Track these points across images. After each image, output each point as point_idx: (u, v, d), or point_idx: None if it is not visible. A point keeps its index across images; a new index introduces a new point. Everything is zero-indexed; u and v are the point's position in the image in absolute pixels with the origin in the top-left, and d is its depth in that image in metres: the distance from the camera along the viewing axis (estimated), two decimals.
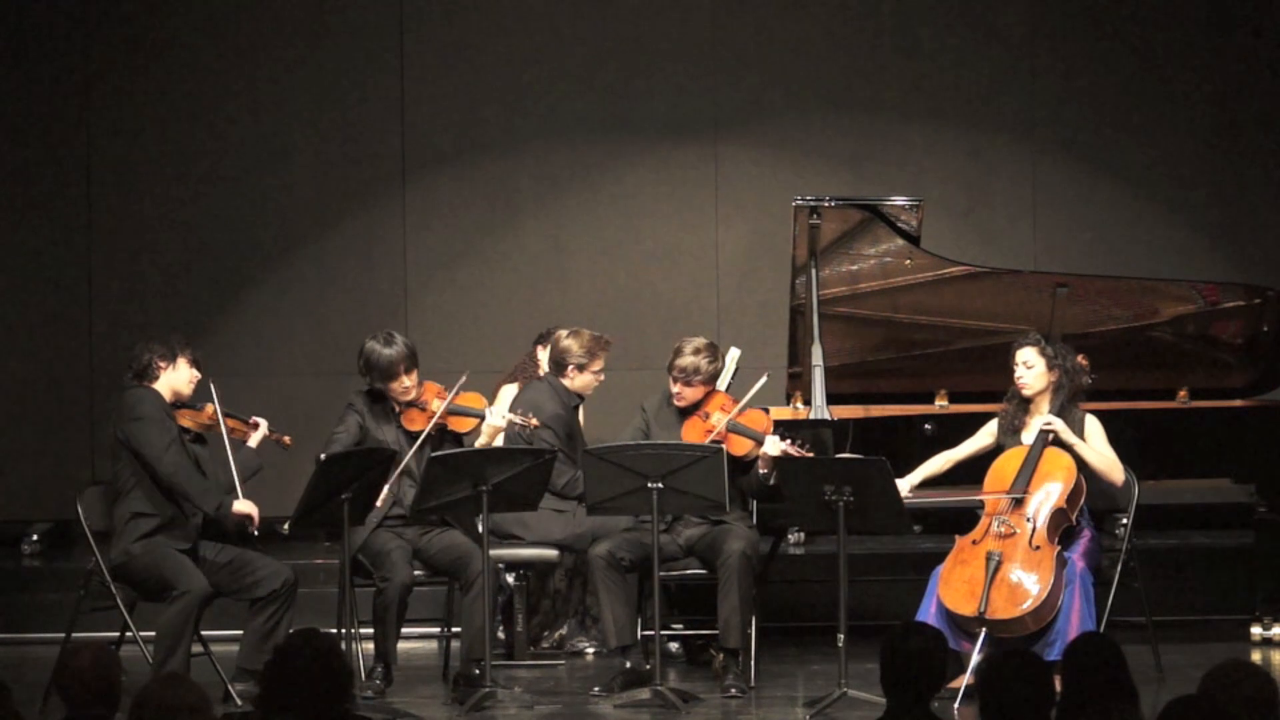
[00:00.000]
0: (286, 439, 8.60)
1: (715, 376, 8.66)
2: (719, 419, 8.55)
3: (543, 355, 9.49)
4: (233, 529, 8.30)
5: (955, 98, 11.84)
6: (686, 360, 8.59)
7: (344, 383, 11.35)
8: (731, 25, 11.87)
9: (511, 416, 8.62)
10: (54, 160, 11.81)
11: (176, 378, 8.32)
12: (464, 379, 8.49)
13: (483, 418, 8.62)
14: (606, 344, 9.12)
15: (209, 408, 8.38)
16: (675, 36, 11.88)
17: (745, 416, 8.55)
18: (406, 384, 8.48)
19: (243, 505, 8.22)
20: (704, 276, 11.86)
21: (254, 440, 8.45)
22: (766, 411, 8.69)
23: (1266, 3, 11.78)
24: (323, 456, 8.07)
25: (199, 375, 8.39)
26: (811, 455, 8.33)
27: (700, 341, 8.66)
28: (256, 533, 8.29)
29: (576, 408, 9.15)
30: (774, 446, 8.39)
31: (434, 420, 8.47)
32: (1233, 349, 9.62)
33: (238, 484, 8.24)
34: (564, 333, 9.14)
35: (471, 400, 8.67)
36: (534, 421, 8.65)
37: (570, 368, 9.02)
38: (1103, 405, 8.73)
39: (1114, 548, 8.60)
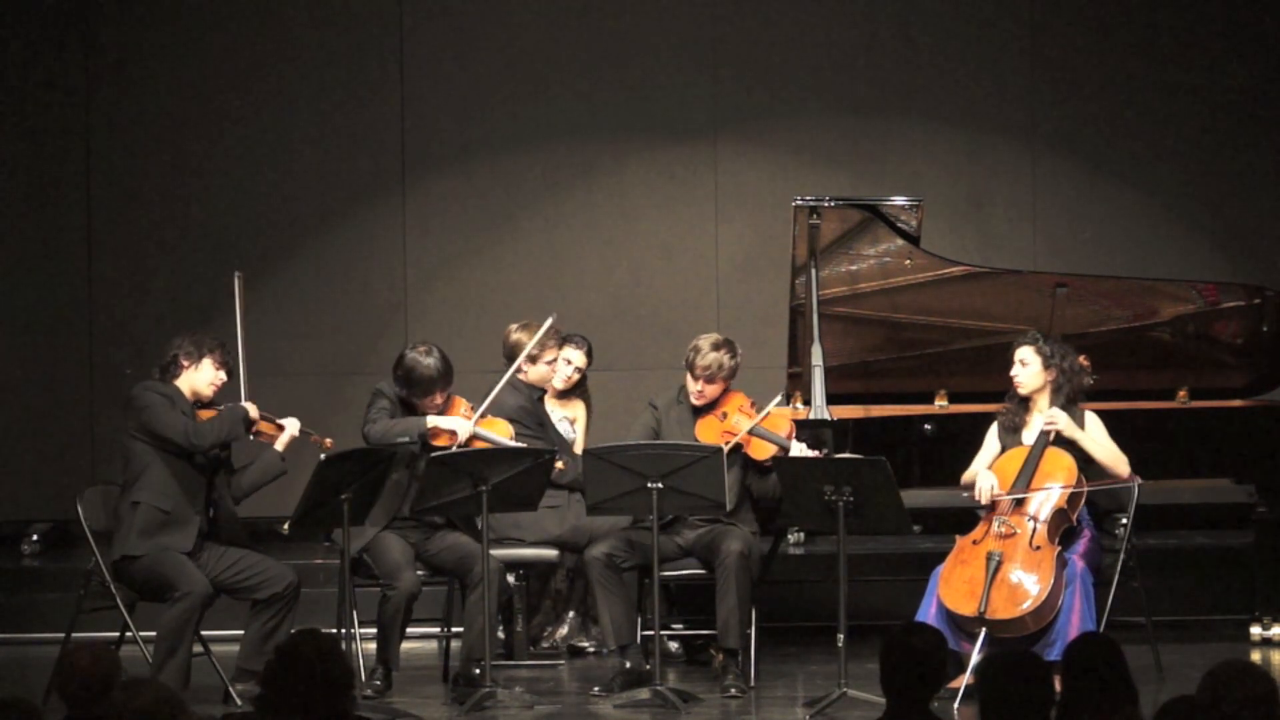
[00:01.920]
0: (328, 441, 8.45)
1: (735, 372, 8.62)
2: (739, 421, 8.52)
3: (569, 353, 9.39)
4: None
5: (955, 98, 11.83)
6: (710, 358, 8.54)
7: (344, 383, 11.40)
8: (731, 25, 11.86)
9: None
10: (54, 160, 11.81)
11: (198, 378, 8.27)
12: (487, 402, 8.51)
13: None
14: (557, 333, 9.13)
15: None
16: (675, 36, 11.88)
17: (768, 420, 8.53)
18: (439, 401, 8.50)
19: (255, 410, 8.27)
20: (704, 276, 11.86)
21: (280, 443, 8.39)
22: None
23: (1267, 2, 11.78)
24: (323, 457, 8.08)
25: (225, 379, 8.32)
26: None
27: (717, 337, 8.62)
28: (254, 436, 8.27)
29: (540, 399, 9.15)
30: (799, 453, 8.38)
31: (458, 443, 8.44)
32: (1233, 349, 9.62)
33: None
34: (514, 327, 9.17)
35: (498, 428, 8.63)
36: (560, 464, 8.60)
37: (524, 360, 9.01)
38: (1103, 405, 8.73)
39: (1114, 548, 8.60)
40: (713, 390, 8.58)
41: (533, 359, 9.02)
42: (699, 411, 8.64)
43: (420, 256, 11.91)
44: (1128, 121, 11.82)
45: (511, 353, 9.07)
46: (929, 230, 9.56)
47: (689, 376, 8.59)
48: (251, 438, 8.36)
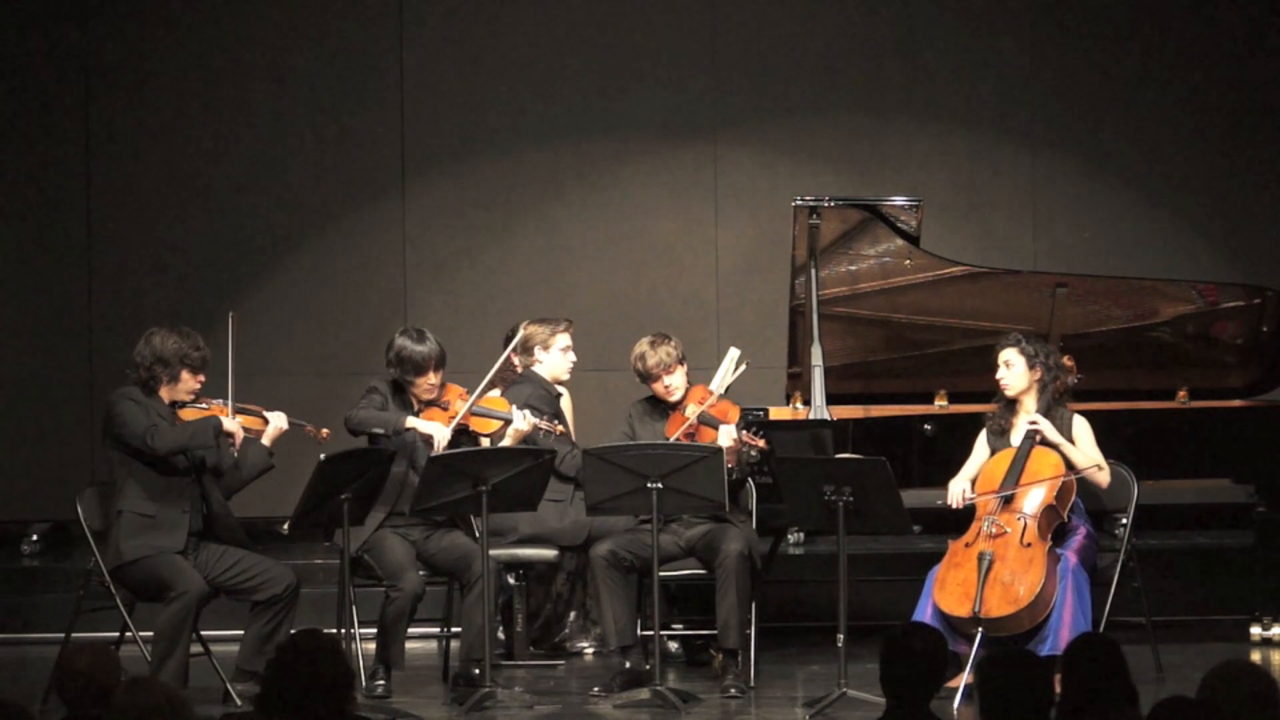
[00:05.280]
0: (324, 432, 8.45)
1: (682, 355, 8.67)
2: (692, 410, 8.59)
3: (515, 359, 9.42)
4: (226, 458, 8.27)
5: (955, 98, 11.83)
6: (658, 355, 8.63)
7: (344, 383, 11.39)
8: (731, 25, 11.86)
9: (537, 422, 8.60)
10: (54, 161, 11.80)
11: (178, 390, 8.28)
12: (486, 380, 8.52)
13: (508, 420, 8.59)
14: (566, 321, 9.15)
15: (214, 406, 8.32)
16: (675, 37, 11.88)
17: (716, 408, 8.58)
18: (433, 381, 8.51)
19: (230, 423, 8.20)
20: (704, 276, 11.86)
21: (267, 437, 8.37)
22: (759, 413, 8.69)
23: (1266, 3, 11.78)
24: (323, 456, 8.07)
25: (203, 379, 8.31)
26: (765, 444, 8.33)
27: (648, 337, 8.74)
28: (237, 453, 8.24)
29: (558, 398, 9.16)
30: (726, 436, 8.42)
31: (456, 420, 8.47)
32: (1233, 349, 9.63)
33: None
34: (525, 323, 9.19)
35: (496, 403, 8.67)
36: (559, 428, 8.63)
37: (537, 348, 9.04)
38: (1103, 405, 8.74)
39: (1113, 547, 8.60)
40: (679, 381, 8.65)
41: (545, 345, 9.05)
42: (669, 410, 8.67)
43: (420, 256, 11.91)
44: (1128, 121, 11.82)
45: (527, 343, 9.09)
46: (929, 230, 9.57)
47: (652, 385, 8.66)
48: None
